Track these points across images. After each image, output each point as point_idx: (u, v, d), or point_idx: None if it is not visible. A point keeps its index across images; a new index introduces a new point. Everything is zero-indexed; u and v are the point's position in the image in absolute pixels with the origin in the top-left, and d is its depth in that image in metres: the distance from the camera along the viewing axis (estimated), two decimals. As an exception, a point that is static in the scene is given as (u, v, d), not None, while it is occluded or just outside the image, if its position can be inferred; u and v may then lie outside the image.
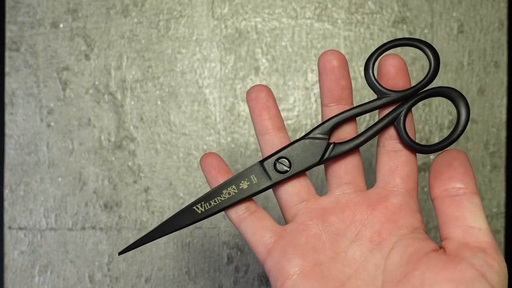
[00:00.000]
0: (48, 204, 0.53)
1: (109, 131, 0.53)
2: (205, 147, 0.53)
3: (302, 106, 0.53)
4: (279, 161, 0.33)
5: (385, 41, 0.53)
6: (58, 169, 0.53)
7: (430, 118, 0.53)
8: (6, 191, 0.53)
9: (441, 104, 0.53)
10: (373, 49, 0.53)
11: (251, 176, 0.33)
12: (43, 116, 0.53)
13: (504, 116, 0.54)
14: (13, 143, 0.53)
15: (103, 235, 0.53)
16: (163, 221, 0.33)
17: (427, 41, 0.53)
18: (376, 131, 0.32)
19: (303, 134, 0.53)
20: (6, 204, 0.53)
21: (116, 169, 0.53)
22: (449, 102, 0.54)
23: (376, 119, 0.34)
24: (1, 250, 0.53)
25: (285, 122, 0.53)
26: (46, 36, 0.53)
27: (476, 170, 0.54)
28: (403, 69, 0.31)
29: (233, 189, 0.32)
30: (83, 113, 0.53)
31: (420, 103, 0.53)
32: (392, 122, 0.32)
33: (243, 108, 0.53)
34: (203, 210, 0.32)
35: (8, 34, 0.53)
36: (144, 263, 0.53)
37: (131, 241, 0.53)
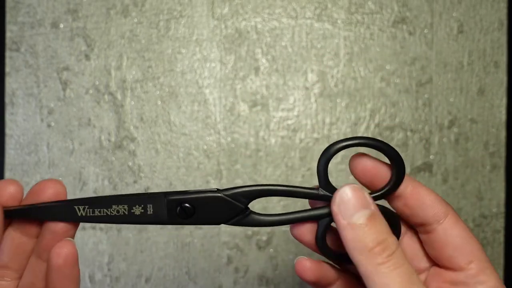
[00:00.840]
0: (48, 204, 0.53)
1: (109, 131, 0.53)
2: (205, 147, 0.53)
3: (302, 106, 0.53)
4: (183, 205, 0.30)
5: (385, 41, 0.53)
6: (58, 169, 0.53)
7: (430, 118, 0.53)
8: (6, 191, 0.53)
9: (441, 104, 0.53)
10: (373, 49, 0.53)
11: (148, 206, 0.29)
12: (43, 116, 0.53)
13: (503, 116, 0.54)
14: (13, 143, 0.53)
15: (103, 235, 0.53)
16: (38, 203, 0.29)
17: (427, 42, 0.54)
18: (299, 219, 0.30)
19: (303, 134, 0.53)
20: (6, 204, 0.53)
21: (116, 169, 0.53)
22: (449, 102, 0.54)
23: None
24: (1, 250, 0.53)
25: (285, 122, 0.53)
26: (46, 36, 0.53)
27: (476, 170, 0.54)
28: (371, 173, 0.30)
29: (124, 209, 0.29)
30: (83, 113, 0.53)
31: (420, 103, 0.53)
32: (317, 219, 0.30)
33: (243, 108, 0.53)
34: (83, 214, 0.29)
35: (8, 34, 0.53)
36: (144, 263, 0.53)
37: (132, 241, 0.53)
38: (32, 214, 0.29)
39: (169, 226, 0.53)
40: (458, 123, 0.54)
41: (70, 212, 0.29)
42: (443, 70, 0.54)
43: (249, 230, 0.53)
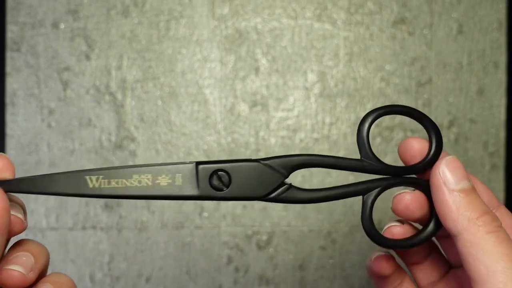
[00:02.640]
0: (49, 204, 0.53)
1: (110, 131, 0.53)
2: (205, 147, 0.53)
3: (302, 106, 0.53)
4: (218, 174, 0.26)
5: (384, 42, 0.53)
6: (59, 169, 0.53)
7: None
8: (7, 191, 0.53)
9: (440, 104, 0.54)
10: (373, 49, 0.54)
11: (177, 175, 0.25)
12: (44, 116, 0.53)
13: (503, 116, 0.54)
14: (14, 143, 0.53)
15: (104, 235, 0.53)
16: (44, 174, 0.26)
17: (427, 43, 0.54)
18: (343, 194, 0.28)
19: (303, 134, 0.53)
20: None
21: (116, 169, 0.53)
22: (449, 102, 0.54)
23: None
24: (1, 250, 0.53)
25: (285, 122, 0.53)
26: (47, 36, 0.53)
27: (476, 170, 0.54)
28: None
29: (147, 179, 0.25)
30: (84, 113, 0.53)
31: (420, 103, 0.53)
32: (363, 193, 0.28)
33: (243, 108, 0.53)
34: (96, 186, 0.25)
35: (9, 34, 0.53)
36: (145, 263, 0.53)
37: (132, 241, 0.53)
38: (31, 186, 0.25)
39: (169, 226, 0.53)
40: (458, 123, 0.54)
41: (79, 183, 0.25)
42: (443, 70, 0.54)
43: (249, 230, 0.53)
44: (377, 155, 0.28)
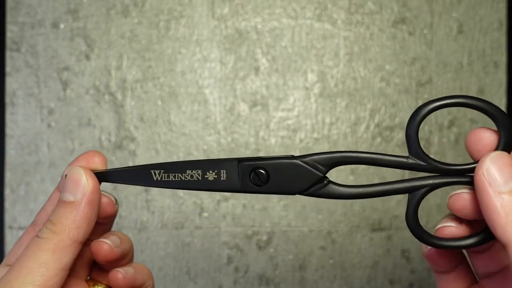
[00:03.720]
0: (48, 204, 0.53)
1: (110, 131, 0.53)
2: (205, 147, 0.53)
3: (302, 106, 0.53)
4: (257, 171, 0.28)
5: (384, 42, 0.53)
6: (59, 169, 0.53)
7: (430, 118, 0.53)
8: (7, 191, 0.53)
9: (440, 104, 0.54)
10: (373, 49, 0.53)
11: (222, 171, 0.29)
12: (43, 116, 0.53)
13: (503, 116, 0.54)
14: (14, 143, 0.53)
15: (104, 235, 0.53)
16: (124, 167, 0.31)
17: (427, 43, 0.54)
18: (387, 191, 0.27)
19: (303, 134, 0.53)
20: (6, 204, 0.53)
21: (116, 169, 0.53)
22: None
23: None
24: (1, 250, 0.53)
25: (285, 122, 0.53)
26: (47, 36, 0.53)
27: (476, 170, 0.54)
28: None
29: (198, 174, 0.29)
30: (84, 113, 0.53)
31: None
32: (409, 191, 0.27)
33: (243, 108, 0.53)
34: (159, 178, 0.29)
35: (8, 34, 0.53)
36: (144, 263, 0.53)
37: (132, 241, 0.53)
38: (114, 177, 0.30)
39: (169, 226, 0.53)
40: (458, 123, 0.54)
41: (146, 176, 0.29)
42: (443, 70, 0.54)
43: (249, 230, 0.53)
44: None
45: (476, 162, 0.25)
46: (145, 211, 0.53)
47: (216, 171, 0.29)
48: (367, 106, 0.53)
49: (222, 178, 0.29)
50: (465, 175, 0.26)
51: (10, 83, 0.53)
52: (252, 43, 0.53)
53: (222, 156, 0.53)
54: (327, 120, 0.53)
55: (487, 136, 0.26)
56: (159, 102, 0.53)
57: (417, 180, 0.27)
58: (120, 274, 0.31)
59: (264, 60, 0.53)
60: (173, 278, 0.53)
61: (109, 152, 0.53)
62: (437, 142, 0.53)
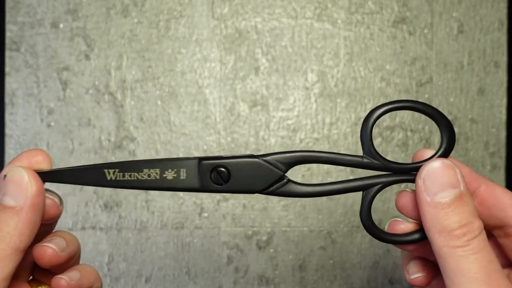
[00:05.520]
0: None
1: (109, 131, 0.53)
2: (205, 147, 0.53)
3: (302, 106, 0.53)
4: (218, 169, 0.28)
5: (385, 41, 0.53)
6: (58, 169, 0.53)
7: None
8: (6, 191, 0.53)
9: (441, 104, 0.53)
10: (373, 49, 0.53)
11: (181, 170, 0.28)
12: (43, 116, 0.53)
13: (504, 116, 0.54)
14: (13, 143, 0.53)
15: (103, 235, 0.53)
16: (73, 166, 0.29)
17: (427, 42, 0.54)
18: (342, 189, 0.28)
19: (303, 134, 0.53)
20: (6, 204, 0.53)
21: (116, 169, 0.53)
22: (450, 102, 0.54)
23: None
24: None
25: (285, 122, 0.53)
26: (46, 36, 0.53)
27: (476, 170, 0.54)
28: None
29: (156, 173, 0.28)
30: (83, 113, 0.53)
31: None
32: (363, 189, 0.28)
33: (243, 108, 0.53)
34: (113, 178, 0.28)
35: (8, 34, 0.53)
36: (144, 263, 0.53)
37: (132, 241, 0.53)
38: (62, 177, 0.28)
39: (169, 226, 0.53)
40: (458, 123, 0.54)
41: (99, 175, 0.28)
42: (443, 70, 0.54)
43: (249, 230, 0.53)
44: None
45: (424, 161, 0.27)
46: (145, 211, 0.53)
47: (175, 169, 0.28)
48: (367, 106, 0.53)
49: (181, 177, 0.28)
50: (413, 174, 0.28)
51: (10, 83, 0.53)
52: (252, 43, 0.53)
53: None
54: (327, 120, 0.53)
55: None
56: (159, 102, 0.53)
57: (370, 178, 0.28)
58: (63, 281, 0.29)
59: (264, 60, 0.53)
60: (173, 278, 0.53)
61: (109, 152, 0.53)
62: (438, 142, 0.53)
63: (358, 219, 0.53)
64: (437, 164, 0.26)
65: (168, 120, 0.53)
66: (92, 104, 0.53)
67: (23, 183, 0.26)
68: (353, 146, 0.53)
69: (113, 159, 0.53)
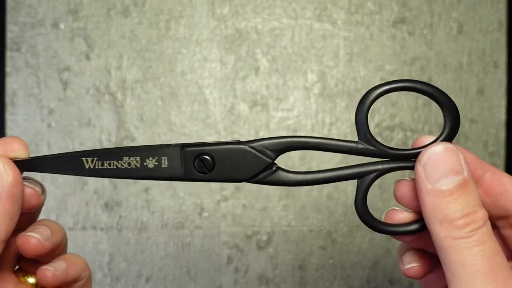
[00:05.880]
0: (49, 204, 0.53)
1: (110, 131, 0.53)
2: (205, 147, 0.53)
3: (302, 106, 0.53)
4: (202, 157, 0.26)
5: (384, 42, 0.53)
6: (59, 169, 0.53)
7: (430, 118, 0.53)
8: (7, 191, 0.53)
9: (440, 104, 0.54)
10: (373, 49, 0.53)
11: (163, 158, 0.27)
12: (44, 116, 0.53)
13: (503, 116, 0.54)
14: (14, 143, 0.53)
15: (104, 235, 0.53)
16: (49, 155, 0.28)
17: (427, 43, 0.54)
18: (335, 177, 0.27)
19: (303, 134, 0.53)
20: (6, 204, 0.53)
21: (116, 169, 0.53)
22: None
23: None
24: None
25: (285, 122, 0.53)
26: (47, 36, 0.53)
27: (476, 170, 0.54)
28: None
29: (136, 161, 0.27)
30: (84, 113, 0.53)
31: (420, 103, 0.53)
32: (358, 177, 0.27)
33: (243, 108, 0.53)
34: (91, 167, 0.27)
35: (9, 34, 0.53)
36: (145, 263, 0.53)
37: (132, 241, 0.53)
38: (38, 166, 0.27)
39: (169, 226, 0.53)
40: (458, 123, 0.54)
41: (77, 164, 0.27)
42: (443, 70, 0.54)
43: (249, 230, 0.53)
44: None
45: (425, 146, 0.25)
46: (145, 211, 0.53)
47: (156, 157, 0.26)
48: (367, 106, 0.53)
49: (163, 166, 0.26)
50: (412, 160, 0.26)
51: (10, 83, 0.53)
52: (252, 43, 0.53)
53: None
54: (327, 120, 0.53)
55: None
56: (159, 102, 0.53)
57: (366, 165, 0.26)
58: (49, 272, 0.28)
59: (264, 60, 0.53)
60: (173, 278, 0.53)
61: (109, 152, 0.53)
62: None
63: (358, 219, 0.53)
64: (439, 148, 0.24)
65: (169, 120, 0.53)
66: (92, 104, 0.53)
67: None
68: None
69: (113, 159, 0.53)
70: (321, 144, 0.26)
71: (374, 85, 0.26)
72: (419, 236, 0.27)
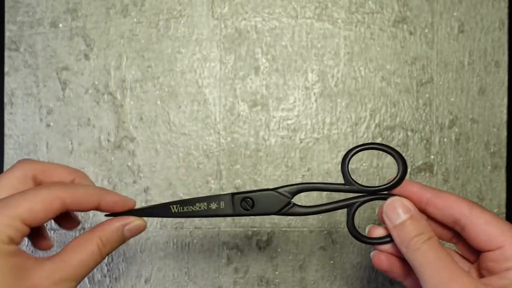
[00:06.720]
0: (47, 204, 0.53)
1: (109, 131, 0.53)
2: (205, 147, 0.53)
3: (302, 106, 0.53)
4: (245, 200, 0.39)
5: (385, 41, 0.53)
6: (58, 169, 0.53)
7: (431, 118, 0.53)
8: (6, 191, 0.53)
9: (441, 104, 0.53)
10: (374, 48, 0.53)
11: (221, 202, 0.39)
12: (42, 116, 0.53)
13: (504, 116, 0.54)
14: (13, 143, 0.53)
15: (103, 235, 0.53)
16: (147, 206, 0.40)
17: (428, 42, 0.54)
18: (332, 208, 0.39)
19: (303, 134, 0.53)
20: (5, 204, 0.53)
21: (115, 169, 0.53)
22: (450, 102, 0.53)
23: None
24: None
25: (285, 122, 0.53)
26: (46, 35, 0.53)
27: (477, 170, 0.53)
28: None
29: (204, 205, 0.39)
30: (83, 113, 0.53)
31: (421, 103, 0.53)
32: (347, 206, 0.39)
33: (243, 108, 0.53)
34: (176, 211, 0.39)
35: (7, 33, 0.53)
36: (144, 264, 0.53)
37: (131, 241, 0.53)
38: (143, 213, 0.39)
39: (169, 227, 0.53)
40: (459, 123, 0.53)
41: (168, 210, 0.39)
42: (444, 69, 0.53)
43: (249, 230, 0.53)
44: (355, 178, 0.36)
45: (386, 185, 0.38)
46: (145, 211, 0.53)
47: (217, 202, 0.39)
48: (367, 106, 0.53)
49: (221, 207, 0.39)
50: (380, 194, 0.39)
51: (9, 83, 0.53)
52: (252, 42, 0.53)
53: (222, 156, 0.53)
54: (328, 120, 0.53)
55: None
56: (159, 102, 0.53)
57: (351, 199, 0.39)
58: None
59: (264, 60, 0.53)
60: (173, 279, 0.53)
61: (108, 152, 0.53)
62: (438, 142, 0.53)
63: (358, 220, 0.53)
64: (389, 201, 0.37)
65: (168, 120, 0.53)
66: (91, 104, 0.53)
67: None
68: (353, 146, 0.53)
69: (112, 159, 0.53)
70: (322, 187, 0.39)
71: (351, 147, 0.39)
72: (392, 245, 0.38)
